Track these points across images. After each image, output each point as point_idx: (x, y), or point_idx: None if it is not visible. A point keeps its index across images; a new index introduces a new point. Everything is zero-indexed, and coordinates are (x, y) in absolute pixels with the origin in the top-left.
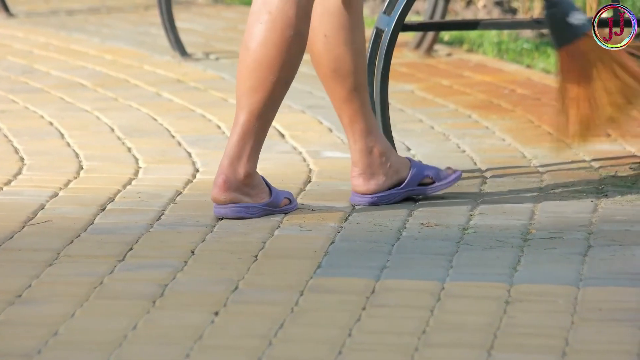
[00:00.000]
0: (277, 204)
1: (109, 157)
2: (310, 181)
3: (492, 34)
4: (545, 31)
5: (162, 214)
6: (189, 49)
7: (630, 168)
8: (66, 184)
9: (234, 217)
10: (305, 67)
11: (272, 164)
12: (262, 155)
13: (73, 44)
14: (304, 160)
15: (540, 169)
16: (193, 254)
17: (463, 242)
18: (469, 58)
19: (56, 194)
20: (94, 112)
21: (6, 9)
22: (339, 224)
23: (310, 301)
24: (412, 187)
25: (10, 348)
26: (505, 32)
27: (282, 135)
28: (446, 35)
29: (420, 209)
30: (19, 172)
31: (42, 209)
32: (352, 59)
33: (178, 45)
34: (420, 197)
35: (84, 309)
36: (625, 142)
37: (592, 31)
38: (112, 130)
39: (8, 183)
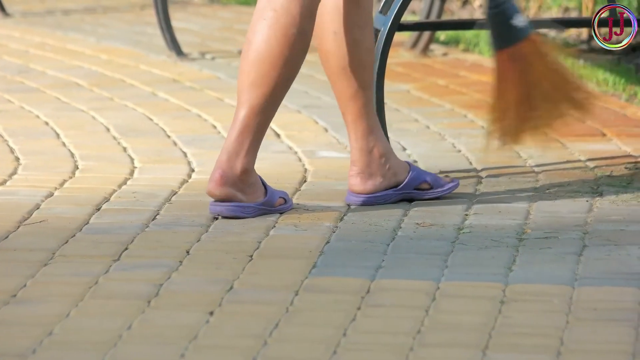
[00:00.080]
0: (272, 204)
1: (105, 156)
2: (305, 181)
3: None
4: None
5: (158, 214)
6: (185, 49)
7: (626, 168)
8: (61, 184)
9: (229, 215)
10: (301, 67)
11: (267, 164)
12: (257, 155)
13: (69, 44)
14: (300, 160)
15: (536, 169)
16: (188, 254)
17: (458, 241)
18: (465, 58)
19: (51, 194)
20: (90, 111)
21: (2, 8)
22: (334, 223)
23: (305, 301)
24: (408, 190)
25: (5, 348)
26: None
27: (278, 135)
28: (442, 35)
29: (416, 208)
30: (15, 172)
31: (38, 208)
32: (360, 57)
33: (174, 45)
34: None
35: (79, 309)
36: (620, 142)
37: (533, 34)
38: (108, 130)
39: (3, 183)
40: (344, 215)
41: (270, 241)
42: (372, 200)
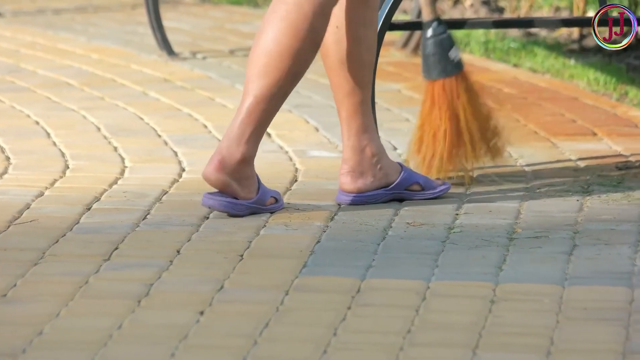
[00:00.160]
0: (264, 202)
1: (95, 156)
2: (296, 180)
3: (479, 33)
4: (532, 31)
5: (148, 214)
6: (176, 48)
7: (616, 167)
8: (52, 183)
9: (219, 209)
10: None
11: (258, 163)
12: None
13: (60, 43)
14: (290, 159)
15: (526, 168)
16: (179, 254)
17: (449, 241)
18: None
19: (42, 193)
20: (81, 111)
21: None
22: (324, 223)
23: (295, 300)
24: (399, 190)
25: None
26: (492, 31)
27: (269, 135)
28: None
29: (406, 208)
30: (5, 172)
31: (28, 208)
32: (360, 54)
33: (165, 44)
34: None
35: (70, 309)
36: (611, 142)
37: (467, 70)
38: (99, 129)
39: None
40: (334, 215)
41: (260, 241)
42: (362, 199)
